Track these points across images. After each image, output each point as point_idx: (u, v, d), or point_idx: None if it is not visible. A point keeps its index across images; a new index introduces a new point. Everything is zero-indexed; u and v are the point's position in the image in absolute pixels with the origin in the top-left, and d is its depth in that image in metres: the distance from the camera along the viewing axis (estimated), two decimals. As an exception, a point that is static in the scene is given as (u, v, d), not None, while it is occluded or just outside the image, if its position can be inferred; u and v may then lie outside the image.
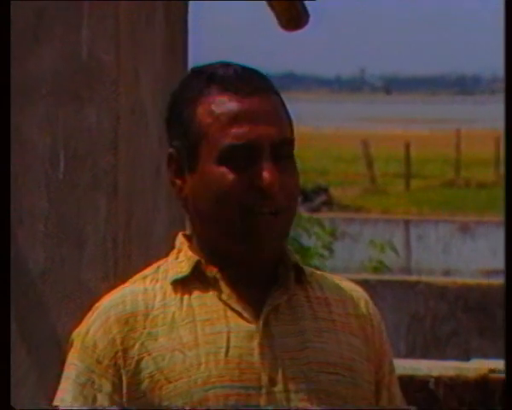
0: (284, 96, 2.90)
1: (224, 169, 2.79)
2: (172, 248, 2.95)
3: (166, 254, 2.94)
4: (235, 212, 2.80)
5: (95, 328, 2.84)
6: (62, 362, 2.89)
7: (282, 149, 2.82)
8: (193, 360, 2.79)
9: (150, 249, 4.57)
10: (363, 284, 12.03)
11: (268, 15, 6.17)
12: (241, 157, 2.79)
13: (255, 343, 2.82)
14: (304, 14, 6.32)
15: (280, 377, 2.82)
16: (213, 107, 2.82)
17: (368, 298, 3.04)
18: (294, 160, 2.87)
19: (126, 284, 2.92)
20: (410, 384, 5.78)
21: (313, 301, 2.93)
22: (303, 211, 23.67)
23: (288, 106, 2.94)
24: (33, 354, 4.49)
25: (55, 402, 2.84)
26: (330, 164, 43.35)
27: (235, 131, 2.79)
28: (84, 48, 4.25)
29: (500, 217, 25.03)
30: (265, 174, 2.77)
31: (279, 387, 2.81)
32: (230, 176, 2.79)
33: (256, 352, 2.82)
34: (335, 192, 32.13)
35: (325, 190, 31.38)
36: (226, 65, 2.89)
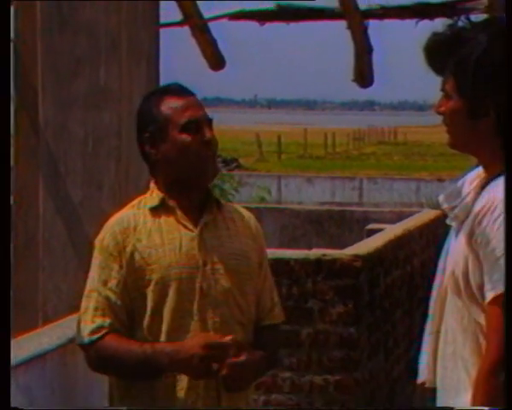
0: (213, 110, 2.94)
1: (185, 135, 2.78)
2: (147, 189, 2.91)
3: (144, 193, 2.92)
4: (193, 156, 2.79)
5: (107, 236, 2.82)
6: (90, 255, 2.88)
7: (210, 123, 2.85)
8: (161, 254, 2.77)
9: (139, 191, 4.45)
10: (256, 209, 11.90)
11: (202, 60, 6.09)
12: (193, 127, 2.79)
13: (195, 243, 2.80)
14: (222, 59, 6.23)
15: (209, 261, 2.80)
16: (170, 104, 2.82)
17: (254, 217, 3.04)
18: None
19: (123, 210, 2.89)
20: (280, 263, 5.68)
21: (226, 220, 2.90)
22: (224, 171, 23.74)
23: (215, 115, 2.99)
24: (76, 250, 4.37)
25: (89, 280, 2.84)
26: (239, 146, 43.41)
27: (187, 113, 2.79)
28: (101, 80, 4.18)
29: (326, 175, 25.23)
30: (208, 134, 2.80)
31: (208, 266, 2.79)
32: (189, 138, 2.78)
33: (196, 248, 2.80)
34: (242, 161, 32.13)
35: (236, 160, 31.30)
36: (172, 84, 2.93)
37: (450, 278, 2.47)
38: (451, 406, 2.48)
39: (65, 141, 4.25)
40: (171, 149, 2.80)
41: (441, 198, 2.61)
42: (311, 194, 20.93)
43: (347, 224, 10.77)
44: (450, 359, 2.49)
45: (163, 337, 2.73)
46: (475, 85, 2.45)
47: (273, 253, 5.76)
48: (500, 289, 2.34)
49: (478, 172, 2.59)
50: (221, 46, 6.33)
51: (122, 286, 2.76)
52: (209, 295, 2.78)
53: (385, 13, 6.26)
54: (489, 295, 2.37)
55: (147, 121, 2.85)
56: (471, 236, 2.42)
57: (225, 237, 2.87)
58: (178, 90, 2.85)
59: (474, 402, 2.37)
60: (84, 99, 4.19)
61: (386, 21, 6.29)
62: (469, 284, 2.42)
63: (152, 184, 2.89)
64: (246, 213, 3.00)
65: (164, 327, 2.74)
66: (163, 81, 4.31)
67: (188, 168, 2.80)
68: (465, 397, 2.43)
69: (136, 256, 2.77)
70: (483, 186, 2.51)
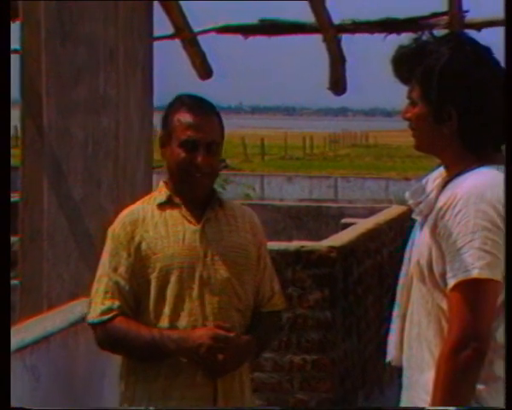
0: None
1: (180, 150, 2.77)
2: (144, 186, 2.92)
3: (140, 190, 2.90)
4: (183, 172, 2.78)
5: (118, 226, 2.83)
6: (102, 244, 2.89)
7: (211, 146, 2.80)
8: (165, 244, 2.78)
9: (135, 188, 4.43)
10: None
11: (192, 70, 6.07)
12: (189, 146, 2.76)
13: (197, 236, 2.80)
14: (210, 69, 6.21)
15: (209, 253, 2.80)
16: (180, 118, 2.80)
17: (254, 214, 3.00)
18: (218, 152, 2.86)
19: (135, 204, 2.90)
20: (263, 254, 5.67)
21: (228, 216, 2.89)
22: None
23: None
24: (78, 243, 4.34)
25: (100, 266, 2.84)
26: (227, 149, 42.99)
27: (188, 132, 2.77)
28: (101, 87, 4.14)
29: (304, 174, 25.20)
30: (199, 158, 2.76)
31: (208, 258, 2.79)
32: (183, 154, 2.77)
33: (197, 240, 2.80)
34: (229, 161, 31.81)
35: (224, 160, 30.91)
36: (190, 96, 2.88)
37: (415, 266, 2.48)
38: (416, 382, 2.48)
39: (67, 143, 4.22)
40: (170, 158, 2.80)
41: (407, 195, 2.62)
42: (291, 191, 20.92)
43: (324, 218, 10.77)
44: (415, 340, 2.49)
45: (166, 320, 2.74)
46: (440, 92, 2.46)
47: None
48: (460, 276, 2.34)
49: (440, 172, 2.60)
50: (209, 57, 6.32)
51: (130, 272, 2.77)
52: (209, 283, 2.77)
53: (356, 28, 6.27)
54: (450, 283, 2.37)
55: (163, 123, 2.86)
56: (434, 229, 2.42)
57: (226, 231, 2.86)
58: (194, 106, 2.82)
59: (437, 380, 2.37)
60: (85, 105, 4.16)
61: (358, 35, 6.30)
62: (433, 272, 2.42)
63: (161, 183, 2.90)
64: (247, 210, 2.99)
65: (166, 311, 2.74)
66: (156, 89, 4.32)
67: (178, 179, 2.82)
68: (428, 375, 2.43)
69: (143, 246, 2.77)
70: (445, 184, 2.52)
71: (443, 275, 2.39)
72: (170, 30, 6.21)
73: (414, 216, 2.59)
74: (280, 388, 5.50)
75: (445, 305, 2.40)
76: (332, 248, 5.59)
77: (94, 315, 2.79)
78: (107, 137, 4.22)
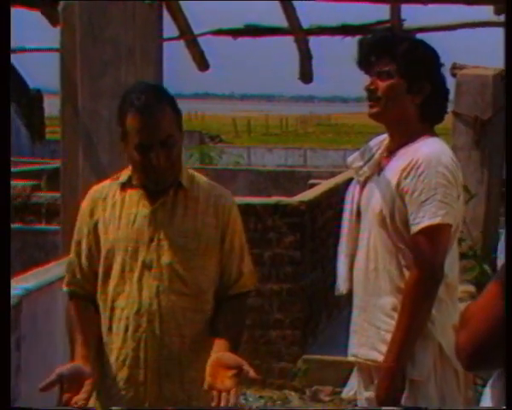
0: (203, 102, 2.58)
1: (136, 153, 2.21)
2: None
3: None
4: (141, 172, 2.25)
5: (84, 202, 2.37)
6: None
7: (166, 141, 2.20)
8: (116, 226, 2.30)
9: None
10: (233, 171, 11.59)
11: (193, 64, 6.03)
12: (144, 149, 2.19)
13: (147, 220, 2.27)
14: (207, 64, 6.18)
15: (155, 238, 2.26)
16: (131, 122, 2.20)
17: (225, 195, 2.36)
18: (176, 142, 2.24)
19: (107, 180, 2.41)
20: (249, 207, 5.70)
21: (188, 199, 2.30)
22: (211, 143, 23.54)
23: (204, 106, 2.50)
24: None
25: (73, 240, 2.39)
26: (221, 127, 42.83)
27: (140, 135, 2.19)
28: (122, 78, 4.12)
29: (281, 146, 25.07)
30: (154, 159, 2.20)
31: (154, 243, 2.26)
32: (139, 157, 2.21)
33: (146, 225, 2.27)
34: (223, 137, 31.53)
35: (219, 136, 30.76)
36: (139, 92, 2.22)
37: (378, 215, 2.42)
38: (374, 305, 2.43)
39: (97, 121, 4.20)
40: (128, 156, 2.29)
41: (349, 161, 2.59)
42: (271, 159, 20.85)
43: (296, 180, 10.80)
44: (372, 272, 2.46)
45: (109, 298, 2.32)
46: (421, 67, 2.42)
47: (244, 200, 5.79)
48: (426, 222, 2.33)
49: (376, 142, 2.56)
50: (206, 54, 6.29)
51: (89, 248, 2.35)
52: (150, 267, 2.26)
53: (321, 31, 6.27)
54: (416, 227, 2.34)
55: (118, 119, 2.29)
56: (398, 185, 2.38)
57: (179, 216, 2.29)
58: (143, 107, 2.20)
59: (404, 305, 2.34)
60: (110, 92, 4.13)
61: (322, 37, 6.29)
62: (394, 219, 2.39)
63: (129, 166, 2.39)
64: (215, 192, 2.36)
65: (110, 290, 2.31)
66: (165, 79, 4.29)
67: (139, 176, 2.31)
68: (386, 299, 2.41)
69: (100, 225, 2.32)
70: (391, 151, 2.47)
71: (403, 222, 2.37)
72: (176, 32, 6.18)
73: (355, 176, 2.56)
74: (262, 310, 5.57)
75: (402, 245, 2.38)
76: (302, 202, 5.63)
77: (64, 283, 2.42)
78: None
